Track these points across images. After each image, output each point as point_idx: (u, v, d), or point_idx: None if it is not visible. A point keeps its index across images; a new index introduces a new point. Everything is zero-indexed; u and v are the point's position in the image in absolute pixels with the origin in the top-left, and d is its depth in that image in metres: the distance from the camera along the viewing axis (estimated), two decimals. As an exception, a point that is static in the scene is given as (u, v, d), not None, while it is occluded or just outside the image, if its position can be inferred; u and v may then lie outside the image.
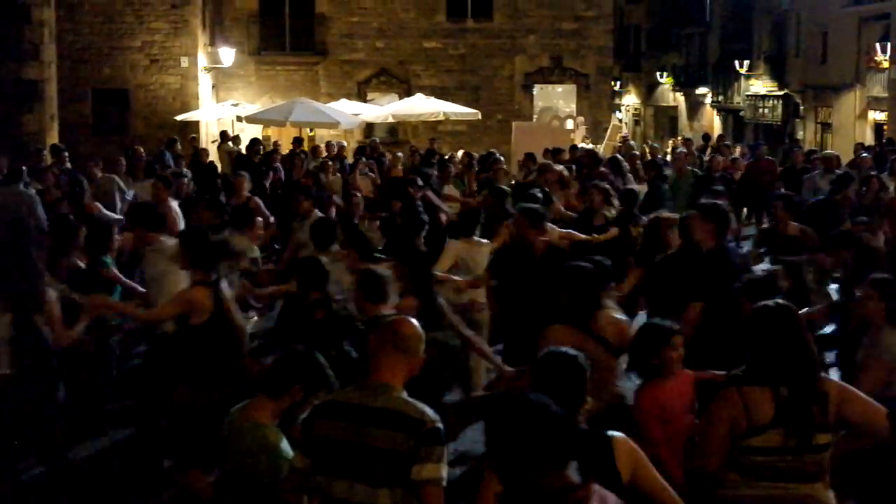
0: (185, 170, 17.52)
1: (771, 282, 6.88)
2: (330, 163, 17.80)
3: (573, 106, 32.67)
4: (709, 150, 24.39)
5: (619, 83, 50.22)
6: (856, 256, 8.04)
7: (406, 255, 7.50)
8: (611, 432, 4.14)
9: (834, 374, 6.60)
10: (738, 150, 23.68)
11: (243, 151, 21.98)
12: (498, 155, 18.43)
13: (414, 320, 4.52)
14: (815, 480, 4.53)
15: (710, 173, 17.41)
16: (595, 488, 3.48)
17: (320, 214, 10.71)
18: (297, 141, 22.16)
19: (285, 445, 4.73)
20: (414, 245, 8.81)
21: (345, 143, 22.81)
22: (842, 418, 4.54)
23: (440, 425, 4.19)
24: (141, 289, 8.49)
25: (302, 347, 5.26)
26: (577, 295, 6.00)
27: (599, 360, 5.40)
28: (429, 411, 4.20)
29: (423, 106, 25.38)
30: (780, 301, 4.85)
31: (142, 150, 19.83)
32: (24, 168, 13.94)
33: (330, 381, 4.93)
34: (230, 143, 23.98)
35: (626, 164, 16.91)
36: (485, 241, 9.45)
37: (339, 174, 17.43)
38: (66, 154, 18.21)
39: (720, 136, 33.27)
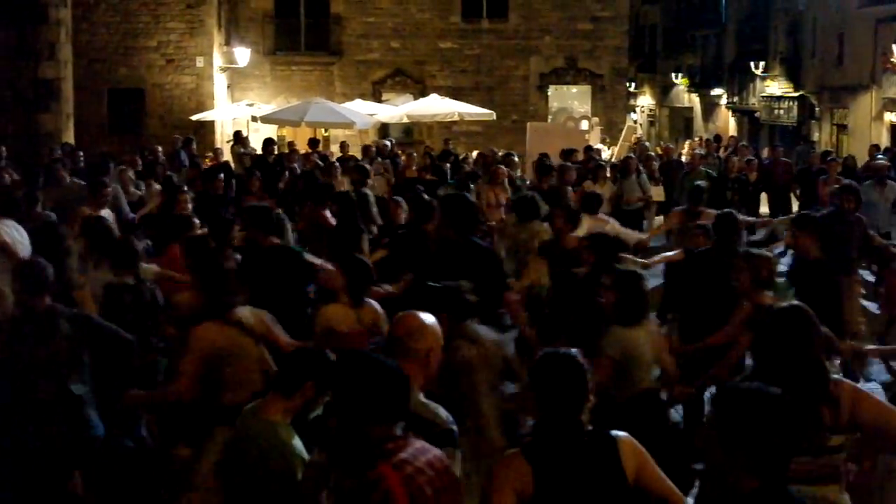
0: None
1: None
2: (337, 164, 17.48)
3: (588, 107, 32.60)
4: (722, 151, 24.37)
5: (633, 84, 50.11)
6: None
7: (346, 263, 7.30)
8: (615, 432, 4.10)
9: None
10: (766, 152, 23.44)
11: (256, 152, 21.94)
12: (515, 156, 18.51)
13: (423, 315, 4.51)
14: (830, 482, 4.51)
15: (725, 174, 17.35)
16: (415, 441, 3.75)
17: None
18: (313, 142, 22.14)
19: (298, 443, 4.72)
20: (353, 253, 8.55)
21: (347, 143, 22.80)
22: (854, 420, 4.50)
23: (454, 427, 4.20)
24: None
25: (312, 346, 5.26)
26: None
27: None
28: (442, 413, 4.22)
29: (437, 106, 25.39)
30: (794, 303, 4.83)
31: (160, 149, 19.97)
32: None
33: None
34: (240, 146, 23.96)
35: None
36: None
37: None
38: (81, 154, 18.24)
39: (733, 138, 33.11)
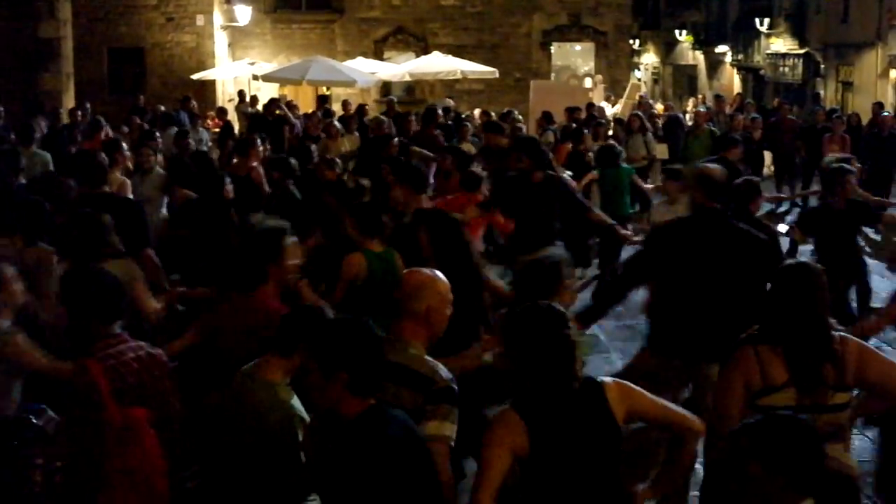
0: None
1: None
2: (337, 124, 17.24)
3: (591, 64, 32.42)
4: (728, 108, 24.27)
5: (637, 41, 49.78)
6: None
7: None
8: (601, 378, 4.07)
9: None
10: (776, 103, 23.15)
11: (260, 110, 21.84)
12: (516, 113, 18.38)
13: (426, 272, 4.50)
14: (833, 441, 4.47)
15: (729, 132, 17.25)
16: (130, 340, 4.85)
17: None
18: (322, 99, 21.90)
19: (297, 403, 4.71)
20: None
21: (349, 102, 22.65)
22: (860, 378, 4.49)
23: (453, 385, 4.18)
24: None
25: (310, 305, 5.23)
26: None
27: None
28: (442, 370, 4.21)
29: (440, 64, 25.27)
30: (802, 261, 4.82)
31: (161, 108, 19.87)
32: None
33: None
34: (247, 104, 23.89)
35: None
36: None
37: (356, 133, 17.32)
38: (80, 113, 18.18)
39: (739, 95, 32.93)
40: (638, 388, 4.12)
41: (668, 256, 6.31)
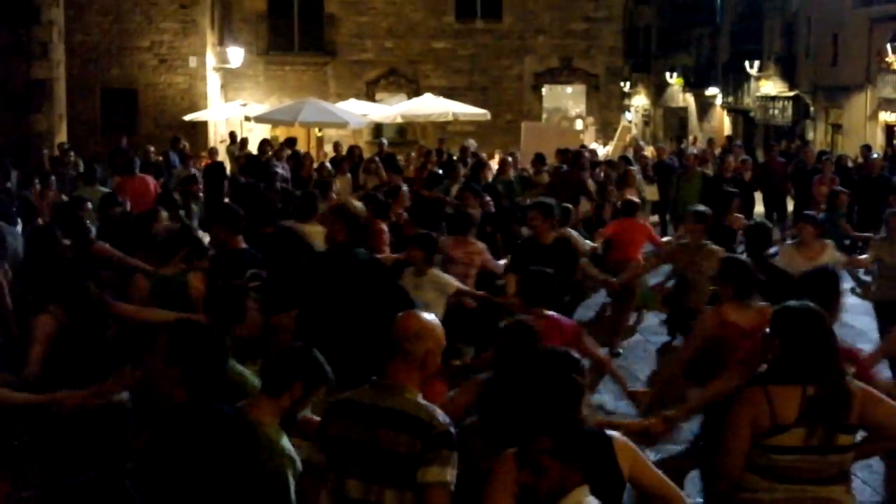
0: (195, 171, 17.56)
1: None
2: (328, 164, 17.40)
3: (582, 106, 32.60)
4: (717, 150, 24.37)
5: (628, 84, 50.12)
6: None
7: None
8: (609, 432, 4.15)
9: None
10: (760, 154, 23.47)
11: (252, 152, 21.82)
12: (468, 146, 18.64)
13: (424, 316, 4.45)
14: (836, 483, 4.48)
15: (721, 174, 17.31)
16: None
17: None
18: (290, 142, 21.83)
19: (286, 443, 4.66)
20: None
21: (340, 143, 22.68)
22: (864, 420, 4.50)
23: (451, 429, 4.14)
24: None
25: (299, 344, 5.21)
26: None
27: None
28: (439, 415, 4.15)
29: (432, 106, 25.33)
30: (804, 302, 4.81)
31: (152, 149, 19.89)
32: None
33: (329, 376, 4.87)
34: (236, 146, 23.87)
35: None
36: None
37: (348, 174, 17.41)
38: (72, 154, 18.24)
39: (730, 138, 33.12)
40: (642, 455, 4.20)
41: (307, 288, 6.67)
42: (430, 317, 4.43)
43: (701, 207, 10.09)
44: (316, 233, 9.16)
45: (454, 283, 8.53)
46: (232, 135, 25.69)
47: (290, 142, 21.62)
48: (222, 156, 23.30)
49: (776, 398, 4.43)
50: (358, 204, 7.11)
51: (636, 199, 12.49)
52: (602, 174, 17.57)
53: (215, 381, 4.34)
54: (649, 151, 24.45)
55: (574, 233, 10.97)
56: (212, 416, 4.25)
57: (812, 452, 4.39)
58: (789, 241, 9.94)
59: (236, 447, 4.25)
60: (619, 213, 12.49)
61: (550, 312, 6.39)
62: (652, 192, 18.12)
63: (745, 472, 4.48)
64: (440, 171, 15.91)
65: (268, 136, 24.33)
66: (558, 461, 3.61)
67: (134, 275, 8.18)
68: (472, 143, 21.09)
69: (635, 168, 17.17)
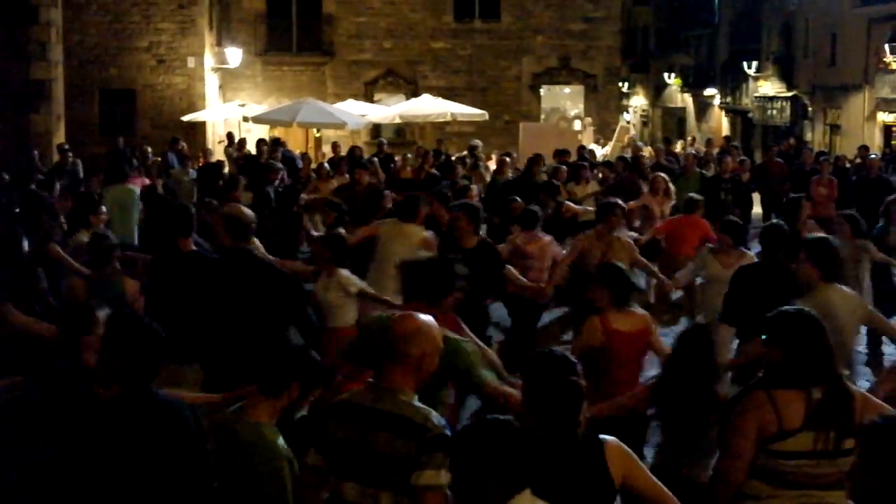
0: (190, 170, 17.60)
1: None
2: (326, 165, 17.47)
3: (581, 107, 32.59)
4: (714, 151, 24.37)
5: (626, 84, 50.15)
6: None
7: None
8: (603, 437, 4.12)
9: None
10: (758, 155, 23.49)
11: (251, 152, 21.83)
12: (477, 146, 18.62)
13: (422, 316, 4.43)
14: (839, 488, 4.44)
15: (719, 175, 17.32)
16: None
17: None
18: (276, 142, 21.84)
19: (282, 444, 4.69)
20: None
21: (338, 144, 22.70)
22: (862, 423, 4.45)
23: (446, 432, 4.12)
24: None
25: (296, 345, 5.25)
26: None
27: None
28: (434, 417, 4.13)
29: (430, 106, 25.34)
30: (799, 306, 4.84)
31: (149, 149, 19.90)
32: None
33: (325, 377, 4.90)
34: (234, 148, 23.87)
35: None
36: None
37: (347, 175, 17.38)
38: (70, 155, 18.25)
39: (727, 138, 33.12)
40: (637, 460, 4.19)
41: (198, 293, 6.79)
42: (426, 319, 4.40)
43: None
44: (414, 233, 9.50)
45: (359, 283, 8.50)
46: (230, 136, 25.71)
47: (277, 142, 21.63)
48: (220, 157, 23.29)
49: (782, 403, 4.41)
50: (247, 211, 7.20)
51: (697, 197, 12.40)
52: (600, 175, 17.56)
53: (151, 371, 4.51)
54: (647, 152, 24.43)
55: (627, 233, 11.00)
56: (152, 405, 4.43)
57: (821, 457, 4.39)
58: (708, 247, 9.79)
59: (178, 433, 4.44)
60: (680, 209, 12.81)
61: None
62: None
63: (751, 479, 4.46)
64: (437, 173, 15.90)
65: (266, 137, 24.34)
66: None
67: (70, 277, 8.59)
68: (478, 144, 21.14)
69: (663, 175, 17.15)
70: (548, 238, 10.17)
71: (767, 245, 8.21)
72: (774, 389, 4.45)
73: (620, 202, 10.22)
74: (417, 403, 4.19)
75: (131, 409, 4.38)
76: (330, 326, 8.18)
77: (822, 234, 7.87)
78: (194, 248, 7.75)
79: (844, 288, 6.81)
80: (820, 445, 4.39)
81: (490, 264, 8.86)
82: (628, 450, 4.16)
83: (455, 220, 9.08)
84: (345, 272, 8.43)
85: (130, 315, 4.73)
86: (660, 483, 4.20)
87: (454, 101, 26.64)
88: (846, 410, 4.43)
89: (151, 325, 4.56)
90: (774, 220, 9.48)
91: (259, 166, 17.84)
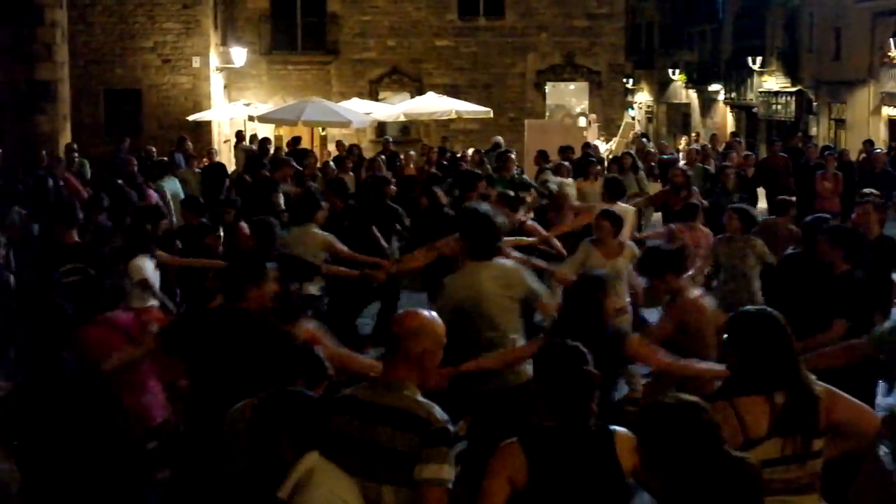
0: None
1: None
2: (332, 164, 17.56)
3: (585, 103, 32.58)
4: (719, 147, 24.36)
5: (631, 81, 50.07)
6: None
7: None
8: (613, 426, 4.12)
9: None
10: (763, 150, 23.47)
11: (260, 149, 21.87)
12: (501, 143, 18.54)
13: (424, 312, 4.46)
14: (810, 492, 4.36)
15: (723, 168, 17.33)
16: None
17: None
18: (296, 140, 21.94)
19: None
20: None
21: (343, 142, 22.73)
22: (830, 422, 4.36)
23: (449, 426, 4.16)
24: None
25: (301, 343, 5.28)
26: None
27: None
28: (437, 411, 4.16)
29: (435, 104, 25.35)
30: (760, 307, 4.71)
31: (154, 150, 19.95)
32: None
33: (329, 373, 4.92)
34: (247, 143, 23.92)
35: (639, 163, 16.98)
36: None
37: (351, 172, 17.47)
38: (76, 154, 18.33)
39: (733, 133, 33.13)
40: None
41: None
42: (429, 315, 4.43)
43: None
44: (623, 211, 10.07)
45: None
46: (239, 134, 25.75)
47: (296, 140, 21.74)
48: (226, 155, 23.35)
49: (744, 411, 4.25)
50: None
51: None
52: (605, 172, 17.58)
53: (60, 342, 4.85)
54: (650, 148, 24.48)
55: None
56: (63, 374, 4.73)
57: (790, 462, 4.26)
58: (589, 238, 9.48)
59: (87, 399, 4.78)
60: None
61: None
62: (655, 189, 18.12)
63: None
64: (439, 173, 15.94)
65: (269, 136, 24.38)
66: None
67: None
68: (499, 140, 21.13)
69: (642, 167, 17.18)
70: (706, 230, 10.55)
71: (810, 238, 8.24)
72: (736, 398, 4.29)
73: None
74: (420, 398, 4.22)
75: (42, 378, 4.69)
76: None
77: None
78: (77, 240, 8.40)
79: None
80: (788, 450, 4.25)
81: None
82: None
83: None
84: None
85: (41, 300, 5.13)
86: None
87: (459, 98, 26.66)
88: (811, 412, 4.30)
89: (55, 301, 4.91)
90: (819, 214, 9.46)
91: (262, 165, 17.90)
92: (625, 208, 10.99)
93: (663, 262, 7.12)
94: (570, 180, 14.88)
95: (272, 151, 20.43)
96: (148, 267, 8.68)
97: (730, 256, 9.40)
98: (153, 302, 8.69)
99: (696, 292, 7.13)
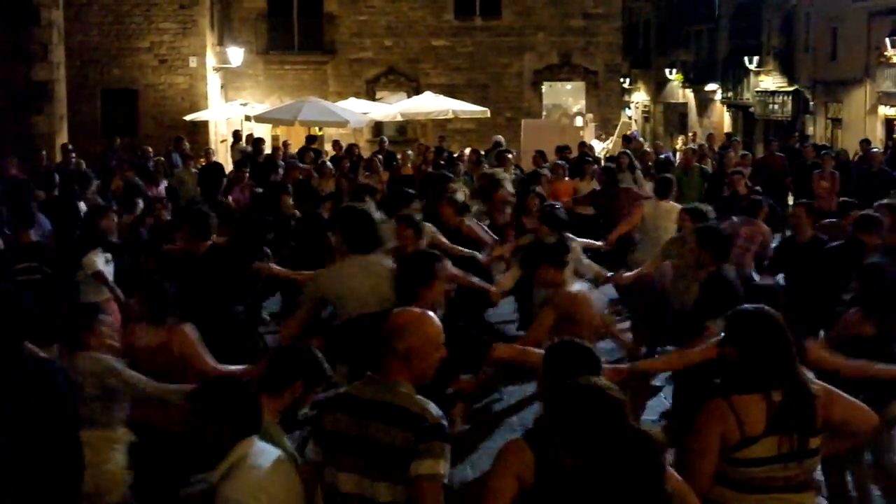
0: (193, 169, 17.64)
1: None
2: (329, 164, 17.48)
3: (582, 103, 32.60)
4: (715, 146, 24.38)
5: (628, 80, 50.07)
6: None
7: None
8: None
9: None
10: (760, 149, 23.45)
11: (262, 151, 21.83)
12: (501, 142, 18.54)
13: (416, 310, 4.44)
14: (807, 489, 4.40)
15: (722, 170, 17.34)
16: None
17: None
18: (310, 139, 22.02)
19: (287, 442, 4.68)
20: None
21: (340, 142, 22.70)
22: (827, 420, 4.38)
23: (443, 422, 4.15)
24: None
25: (300, 343, 5.26)
26: None
27: None
28: (432, 408, 4.15)
29: (431, 104, 25.35)
30: (757, 305, 4.68)
31: (150, 150, 19.93)
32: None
33: (328, 375, 4.91)
34: (246, 145, 23.87)
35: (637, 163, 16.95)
36: None
37: (350, 174, 17.44)
38: (73, 155, 18.30)
39: (729, 135, 33.11)
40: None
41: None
42: (419, 313, 4.40)
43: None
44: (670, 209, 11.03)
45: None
46: (237, 134, 25.71)
47: (311, 139, 21.72)
48: (223, 155, 23.32)
49: (741, 409, 4.27)
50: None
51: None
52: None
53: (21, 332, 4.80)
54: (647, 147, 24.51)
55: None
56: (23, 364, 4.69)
57: (787, 460, 4.28)
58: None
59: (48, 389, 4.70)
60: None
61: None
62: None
63: (716, 486, 4.34)
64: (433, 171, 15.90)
65: (265, 136, 24.36)
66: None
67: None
68: (500, 139, 21.12)
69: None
70: (766, 228, 10.85)
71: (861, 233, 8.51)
72: (734, 395, 4.31)
73: None
74: (415, 395, 4.21)
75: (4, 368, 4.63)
76: None
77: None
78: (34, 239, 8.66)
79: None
80: (785, 448, 4.27)
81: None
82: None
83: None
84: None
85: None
86: (682, 479, 4.13)
87: (456, 98, 26.66)
88: (808, 410, 4.32)
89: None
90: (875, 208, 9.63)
91: (257, 165, 17.91)
92: (671, 206, 11.26)
93: (541, 256, 7.07)
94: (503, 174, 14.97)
95: (266, 151, 20.43)
96: (100, 261, 9.00)
97: (681, 256, 9.37)
98: (108, 295, 8.99)
99: (577, 286, 7.04)
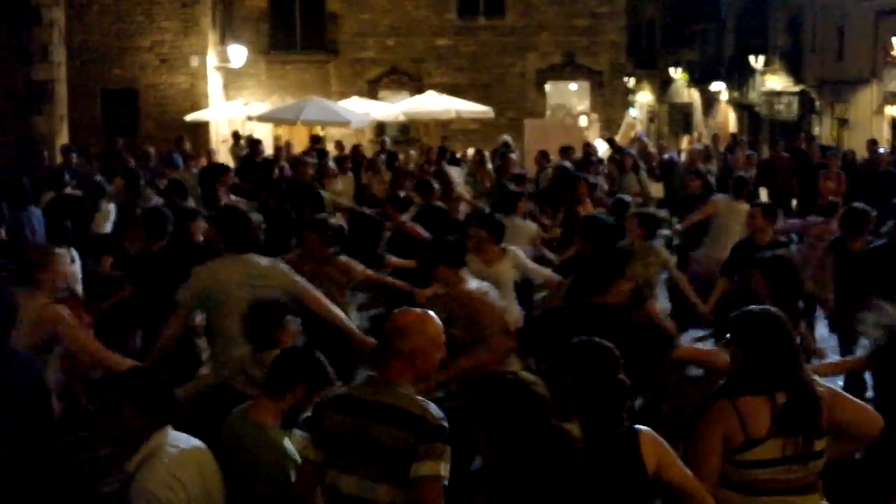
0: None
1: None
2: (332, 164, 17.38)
3: (587, 103, 32.51)
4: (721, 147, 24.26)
5: (633, 80, 49.99)
6: None
7: None
8: (637, 426, 4.14)
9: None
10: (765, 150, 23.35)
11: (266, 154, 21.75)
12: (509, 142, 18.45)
13: (418, 311, 4.47)
14: (812, 492, 4.39)
15: (728, 170, 17.23)
16: None
17: None
18: (315, 139, 21.94)
19: (289, 445, 4.73)
20: None
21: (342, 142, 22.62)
22: (833, 422, 4.39)
23: (444, 423, 4.17)
24: None
25: (301, 346, 5.30)
26: None
27: None
28: (432, 409, 4.19)
29: (434, 104, 25.31)
30: (764, 306, 4.71)
31: (151, 150, 19.84)
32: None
33: (330, 377, 4.88)
34: (242, 147, 23.81)
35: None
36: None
37: (350, 173, 17.37)
38: (75, 155, 18.25)
39: (734, 134, 33.03)
40: (671, 450, 4.15)
41: None
42: (421, 314, 4.43)
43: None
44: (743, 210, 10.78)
45: None
46: (235, 135, 25.64)
47: (315, 140, 21.66)
48: (224, 155, 23.23)
49: (746, 411, 4.28)
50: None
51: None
52: (605, 171, 17.48)
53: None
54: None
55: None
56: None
57: (791, 462, 4.28)
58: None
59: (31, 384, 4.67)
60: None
61: None
62: (657, 190, 18.02)
63: (720, 488, 4.33)
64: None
65: (261, 137, 24.23)
66: None
67: None
68: (507, 139, 21.01)
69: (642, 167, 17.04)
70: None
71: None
72: (738, 397, 4.31)
73: None
74: (416, 396, 4.26)
75: None
76: None
77: None
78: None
79: None
80: (789, 451, 4.27)
81: None
82: (662, 440, 4.14)
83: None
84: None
85: None
86: (691, 474, 4.15)
87: (459, 98, 26.58)
88: (813, 413, 4.31)
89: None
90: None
91: (255, 166, 17.76)
92: (745, 207, 11.09)
93: (437, 254, 7.00)
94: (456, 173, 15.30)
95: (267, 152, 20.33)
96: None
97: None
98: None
99: (474, 285, 6.92)
